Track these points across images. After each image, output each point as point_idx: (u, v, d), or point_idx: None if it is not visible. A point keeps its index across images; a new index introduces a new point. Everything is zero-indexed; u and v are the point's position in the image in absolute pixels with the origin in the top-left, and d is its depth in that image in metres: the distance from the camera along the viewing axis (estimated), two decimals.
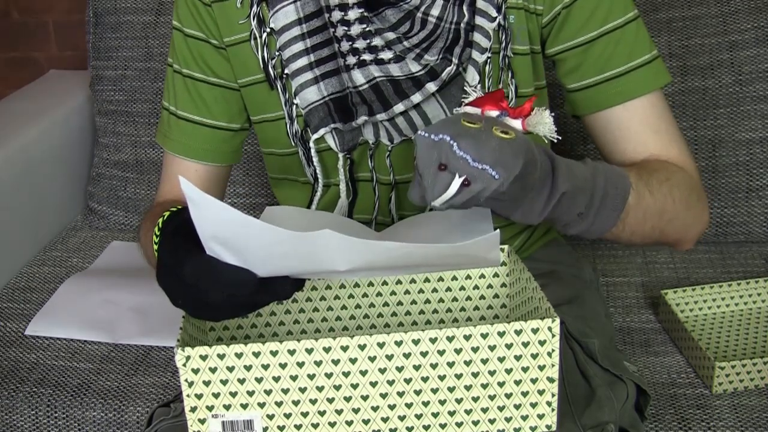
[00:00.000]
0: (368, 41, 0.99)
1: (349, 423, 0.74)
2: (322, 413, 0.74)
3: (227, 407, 0.73)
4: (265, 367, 0.72)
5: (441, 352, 0.73)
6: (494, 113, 0.76)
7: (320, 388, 0.73)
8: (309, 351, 0.72)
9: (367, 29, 0.99)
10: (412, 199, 0.74)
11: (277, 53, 1.02)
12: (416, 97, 0.98)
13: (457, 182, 0.70)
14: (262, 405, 0.73)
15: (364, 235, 0.87)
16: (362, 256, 0.71)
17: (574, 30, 1.00)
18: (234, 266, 0.73)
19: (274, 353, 0.72)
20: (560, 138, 0.78)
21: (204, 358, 0.72)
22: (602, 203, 0.85)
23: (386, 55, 0.99)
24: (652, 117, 1.01)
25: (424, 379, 0.73)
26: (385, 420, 0.74)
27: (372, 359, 0.72)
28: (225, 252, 0.72)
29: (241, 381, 0.72)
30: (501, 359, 0.73)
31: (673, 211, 0.95)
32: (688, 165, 1.02)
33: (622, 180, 0.87)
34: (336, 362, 0.72)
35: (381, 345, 0.72)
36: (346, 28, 0.99)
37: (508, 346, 0.73)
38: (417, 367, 0.73)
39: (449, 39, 0.98)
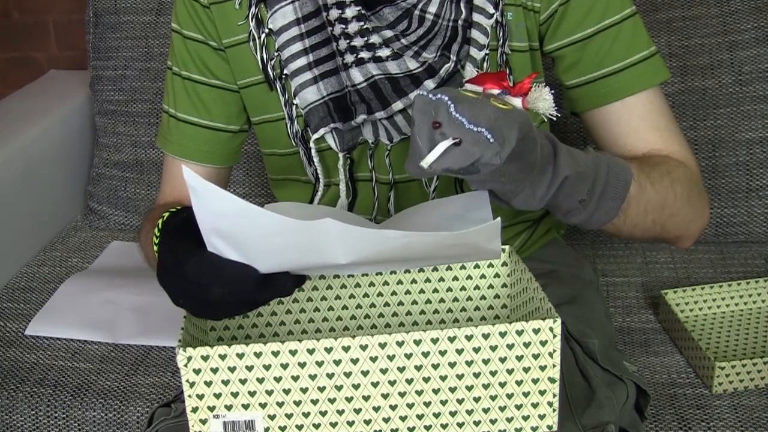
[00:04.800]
0: (366, 39, 0.99)
1: (351, 423, 0.74)
2: (323, 413, 0.74)
3: (229, 407, 0.73)
4: (267, 367, 0.72)
5: (443, 353, 0.73)
6: (495, 91, 0.75)
7: (322, 389, 0.73)
8: (311, 351, 0.72)
9: (365, 27, 0.99)
10: (408, 170, 0.72)
11: (276, 54, 1.02)
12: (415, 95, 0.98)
13: (446, 142, 0.68)
14: (263, 405, 0.73)
15: (365, 226, 0.87)
16: (363, 246, 0.71)
17: (571, 26, 1.00)
18: (235, 262, 0.73)
19: (275, 353, 0.72)
20: (560, 115, 0.77)
21: (205, 358, 0.72)
22: (604, 191, 0.85)
23: (384, 52, 0.99)
24: (651, 113, 1.01)
25: (426, 380, 0.73)
26: (386, 420, 0.74)
27: (374, 359, 0.72)
28: (226, 247, 0.72)
29: (243, 381, 0.72)
30: (502, 359, 0.73)
31: (675, 205, 0.95)
32: (689, 161, 1.02)
33: (624, 170, 0.87)
34: (338, 362, 0.72)
35: (383, 345, 0.72)
36: (343, 26, 0.99)
37: (510, 347, 0.73)
38: (419, 368, 0.73)
39: (447, 36, 0.98)
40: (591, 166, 0.83)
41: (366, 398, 0.73)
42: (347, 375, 0.73)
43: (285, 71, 1.02)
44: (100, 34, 1.80)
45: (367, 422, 0.74)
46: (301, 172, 1.09)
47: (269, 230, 0.70)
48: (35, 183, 1.68)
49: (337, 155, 1.03)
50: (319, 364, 0.72)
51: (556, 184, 0.78)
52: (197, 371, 0.72)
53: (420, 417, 0.75)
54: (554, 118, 0.76)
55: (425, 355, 0.73)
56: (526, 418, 0.76)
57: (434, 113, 0.70)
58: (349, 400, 0.73)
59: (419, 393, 0.74)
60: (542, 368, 0.74)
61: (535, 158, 0.74)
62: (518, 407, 0.75)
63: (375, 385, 0.73)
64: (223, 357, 0.72)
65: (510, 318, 0.91)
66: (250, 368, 0.72)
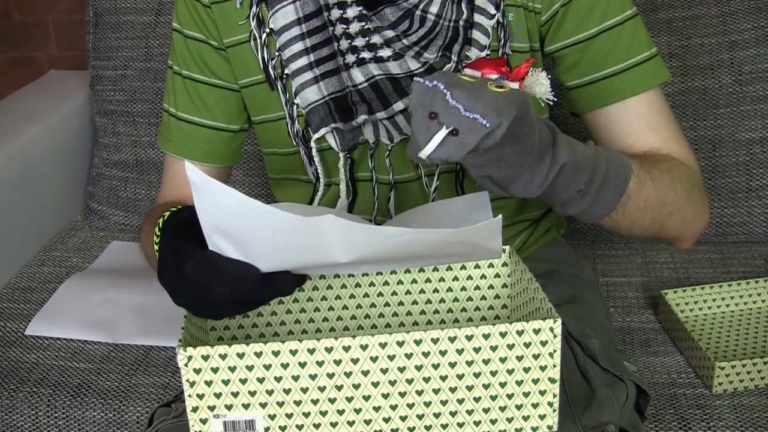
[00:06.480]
0: (367, 39, 0.99)
1: (351, 423, 0.74)
2: (323, 413, 0.74)
3: (229, 407, 0.73)
4: (267, 367, 0.72)
5: (443, 353, 0.73)
6: (493, 76, 0.75)
7: (322, 389, 0.73)
8: (311, 351, 0.72)
9: (366, 27, 0.99)
10: (409, 156, 0.73)
11: (276, 53, 1.02)
12: None
13: (442, 133, 0.69)
14: (263, 405, 0.73)
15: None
16: (363, 244, 0.71)
17: (572, 27, 1.00)
18: (236, 261, 0.73)
19: (276, 353, 0.72)
20: (556, 100, 0.77)
21: (206, 358, 0.72)
22: (603, 183, 0.85)
23: (385, 53, 0.99)
24: (651, 114, 1.01)
25: (426, 380, 0.73)
26: (386, 420, 0.74)
27: (374, 359, 0.72)
28: (227, 245, 0.72)
29: (243, 381, 0.72)
30: (503, 360, 0.74)
31: (674, 203, 0.95)
32: (690, 161, 1.02)
33: (623, 164, 0.87)
34: (338, 362, 0.72)
35: (383, 345, 0.72)
36: (345, 26, 1.00)
37: (510, 347, 0.73)
38: (419, 368, 0.73)
39: (448, 36, 0.98)
40: (590, 157, 0.83)
41: (366, 398, 0.73)
42: (348, 375, 0.73)
43: (286, 71, 1.02)
44: (100, 34, 1.80)
45: (368, 422, 0.74)
46: (302, 172, 1.09)
47: (271, 227, 0.70)
48: (35, 183, 1.68)
49: (337, 155, 1.03)
50: (320, 363, 0.72)
51: (554, 171, 0.78)
52: (197, 371, 0.72)
53: (420, 417, 0.75)
54: (551, 103, 0.77)
55: (426, 355, 0.73)
56: (526, 418, 0.76)
57: (430, 103, 0.70)
58: (349, 400, 0.73)
59: (419, 393, 0.74)
60: (542, 368, 0.74)
61: (534, 142, 0.74)
62: (518, 407, 0.75)
63: (375, 385, 0.73)
64: (223, 356, 0.72)
65: (510, 318, 0.91)
66: (250, 368, 0.72)
